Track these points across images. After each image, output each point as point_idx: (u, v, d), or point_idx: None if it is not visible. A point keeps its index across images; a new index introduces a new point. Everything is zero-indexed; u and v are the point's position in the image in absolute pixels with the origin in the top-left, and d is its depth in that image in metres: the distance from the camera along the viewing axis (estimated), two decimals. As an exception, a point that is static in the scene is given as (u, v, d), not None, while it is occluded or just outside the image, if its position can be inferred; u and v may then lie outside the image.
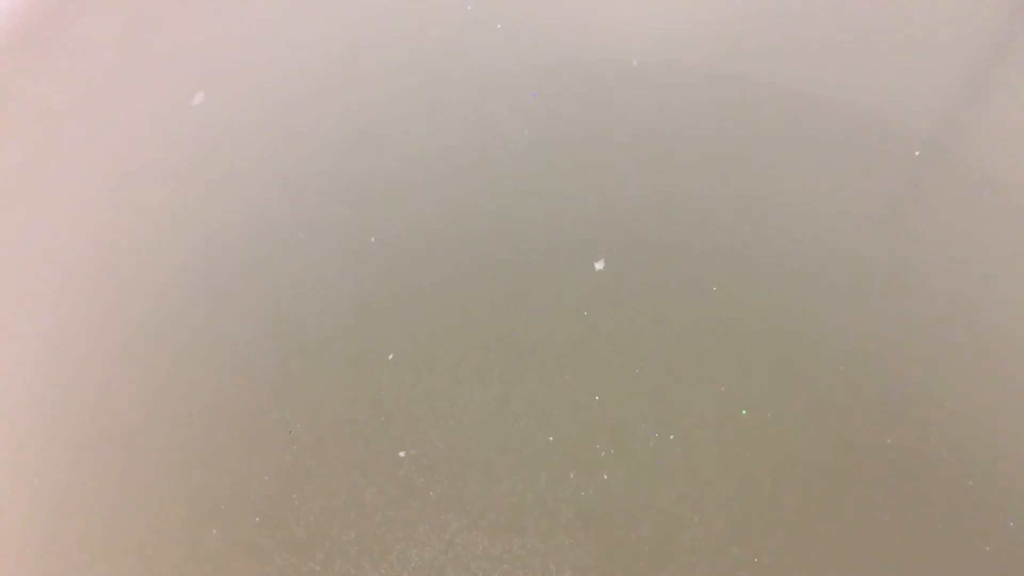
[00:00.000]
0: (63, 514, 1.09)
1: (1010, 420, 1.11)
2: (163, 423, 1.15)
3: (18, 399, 1.18)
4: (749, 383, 1.15)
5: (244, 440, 1.11)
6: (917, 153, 1.39)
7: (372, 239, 1.29)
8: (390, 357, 1.16)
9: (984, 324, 1.19)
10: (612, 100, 1.47)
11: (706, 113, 1.46)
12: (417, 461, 1.07)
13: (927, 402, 1.12)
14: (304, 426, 1.11)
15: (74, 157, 1.46)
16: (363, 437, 1.10)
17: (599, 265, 1.27)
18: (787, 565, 1.00)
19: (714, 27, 1.59)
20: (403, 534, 1.02)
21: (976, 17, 1.56)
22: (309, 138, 1.46)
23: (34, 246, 1.35)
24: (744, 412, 1.12)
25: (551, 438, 1.10)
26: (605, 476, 1.08)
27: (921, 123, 1.42)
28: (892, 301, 1.23)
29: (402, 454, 1.08)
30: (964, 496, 1.04)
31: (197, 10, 1.67)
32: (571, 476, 1.07)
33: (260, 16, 1.67)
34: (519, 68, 1.53)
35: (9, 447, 1.14)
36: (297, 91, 1.52)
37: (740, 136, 1.42)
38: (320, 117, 1.49)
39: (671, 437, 1.12)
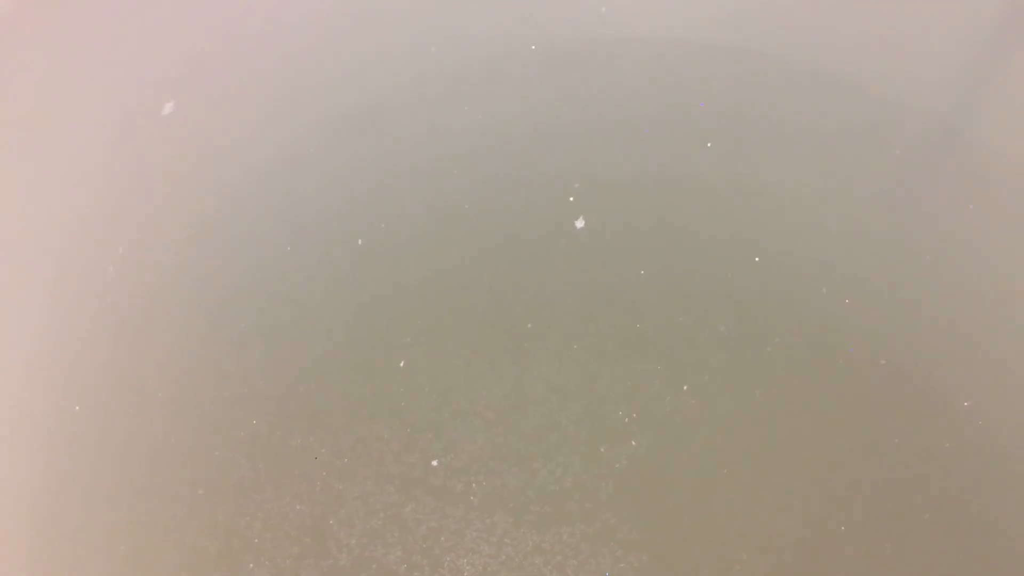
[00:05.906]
0: (85, 558, 1.05)
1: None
2: (178, 459, 1.09)
3: (20, 415, 1.12)
4: (744, 321, 1.15)
5: (268, 471, 1.07)
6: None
7: (360, 242, 1.22)
8: (401, 364, 1.12)
9: (987, 293, 1.20)
10: (621, 75, 1.41)
11: (708, 86, 1.41)
12: (451, 467, 1.05)
13: (927, 328, 1.14)
14: (329, 450, 1.07)
15: (60, 154, 1.38)
16: (392, 451, 1.06)
17: (579, 223, 1.24)
18: (817, 506, 1.03)
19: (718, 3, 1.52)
20: (451, 543, 1.01)
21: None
22: (295, 142, 1.36)
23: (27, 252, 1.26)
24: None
25: (574, 416, 1.09)
26: (633, 443, 1.08)
27: (927, 100, 1.38)
28: (874, 233, 1.23)
29: (435, 463, 1.05)
30: (969, 414, 1.08)
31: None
32: (602, 450, 1.07)
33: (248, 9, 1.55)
34: (511, 48, 1.44)
35: (18, 475, 1.09)
36: (288, 85, 1.42)
37: (738, 107, 1.38)
38: (305, 117, 1.39)
39: (684, 388, 1.12)
